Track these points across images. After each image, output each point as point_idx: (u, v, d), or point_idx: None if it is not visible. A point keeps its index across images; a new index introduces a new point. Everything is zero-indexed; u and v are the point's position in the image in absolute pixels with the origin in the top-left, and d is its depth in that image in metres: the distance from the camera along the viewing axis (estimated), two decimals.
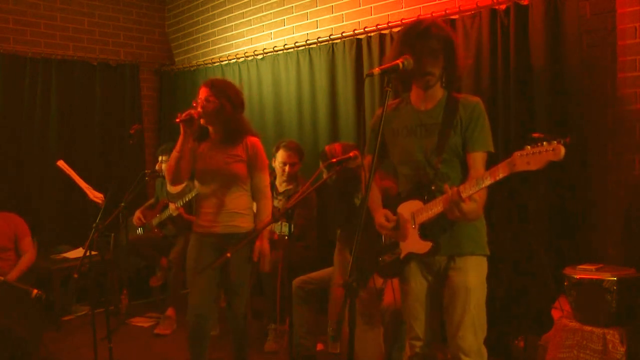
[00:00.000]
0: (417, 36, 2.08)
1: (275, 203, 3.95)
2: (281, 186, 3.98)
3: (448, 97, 2.17)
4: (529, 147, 1.72)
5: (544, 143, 1.68)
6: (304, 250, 3.84)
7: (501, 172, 1.81)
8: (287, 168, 3.88)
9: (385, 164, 2.39)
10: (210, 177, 2.91)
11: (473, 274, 2.12)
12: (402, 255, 2.21)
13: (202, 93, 2.86)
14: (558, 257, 3.00)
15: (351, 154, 2.90)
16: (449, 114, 2.13)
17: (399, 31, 2.21)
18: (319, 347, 3.64)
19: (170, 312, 4.26)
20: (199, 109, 2.80)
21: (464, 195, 1.90)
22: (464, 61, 2.16)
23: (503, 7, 3.24)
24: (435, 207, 2.03)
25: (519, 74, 3.18)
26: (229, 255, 2.37)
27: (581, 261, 2.77)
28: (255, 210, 3.04)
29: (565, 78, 3.03)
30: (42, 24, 5.17)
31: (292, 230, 2.57)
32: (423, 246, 2.12)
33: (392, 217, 2.19)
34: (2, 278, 2.73)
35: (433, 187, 2.10)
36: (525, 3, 3.17)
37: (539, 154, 1.69)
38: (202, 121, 2.85)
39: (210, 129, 2.93)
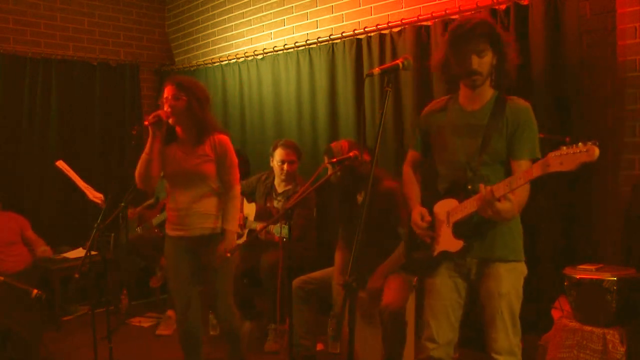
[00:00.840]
0: (462, 36, 2.06)
1: (275, 204, 3.95)
2: (280, 186, 3.98)
3: (497, 98, 2.14)
4: (564, 147, 1.73)
5: (579, 144, 1.68)
6: (304, 250, 3.84)
7: (534, 172, 1.82)
8: (285, 166, 3.87)
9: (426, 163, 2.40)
10: (180, 179, 2.85)
11: (506, 280, 2.11)
12: (435, 253, 2.21)
13: (168, 92, 2.77)
14: (558, 257, 3.00)
15: (351, 154, 2.92)
16: (495, 116, 2.10)
17: (447, 30, 2.18)
18: (319, 347, 3.64)
19: (170, 312, 4.25)
20: (167, 109, 2.74)
21: (497, 194, 1.90)
22: (515, 60, 2.13)
23: (503, 7, 3.24)
24: (470, 206, 2.04)
25: (519, 74, 3.18)
26: (228, 255, 2.37)
27: (581, 261, 2.77)
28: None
29: (565, 78, 3.03)
30: (42, 24, 5.17)
31: (292, 231, 2.55)
32: (455, 245, 2.12)
33: (428, 217, 2.20)
34: (2, 278, 2.72)
35: (469, 187, 2.09)
36: (525, 3, 3.17)
37: (573, 155, 1.70)
38: (170, 121, 2.78)
39: (178, 129, 2.86)
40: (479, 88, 2.14)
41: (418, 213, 2.23)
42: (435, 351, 2.19)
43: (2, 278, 2.71)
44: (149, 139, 2.74)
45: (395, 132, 3.82)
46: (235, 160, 2.91)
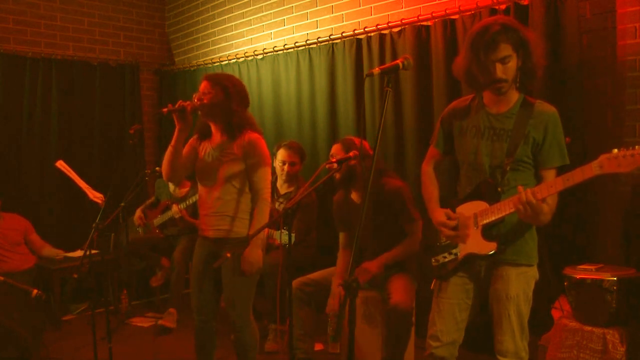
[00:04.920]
0: (483, 45, 2.00)
1: (277, 206, 3.94)
2: (282, 188, 3.98)
3: (523, 102, 2.10)
4: (616, 150, 1.73)
5: (636, 147, 1.70)
6: (305, 249, 3.84)
7: (586, 174, 1.80)
8: (286, 167, 3.87)
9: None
10: (205, 176, 2.76)
11: (515, 284, 2.10)
12: (460, 256, 2.18)
13: (202, 86, 2.72)
14: (558, 257, 3.00)
15: (351, 154, 2.92)
16: (521, 121, 2.06)
17: (468, 34, 2.11)
18: (318, 347, 3.64)
19: (172, 309, 4.25)
20: (196, 102, 2.66)
21: (539, 196, 1.90)
22: (540, 60, 2.07)
23: (503, 7, 3.24)
24: (505, 208, 2.01)
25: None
26: (228, 255, 2.33)
27: (581, 261, 2.77)
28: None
29: (565, 78, 3.03)
30: (42, 24, 5.18)
31: (293, 239, 2.51)
32: (487, 247, 2.09)
33: (454, 215, 2.17)
34: (2, 278, 2.72)
35: (499, 189, 2.07)
36: (525, 3, 3.17)
37: (632, 157, 1.71)
38: (200, 115, 2.71)
39: (212, 125, 2.78)
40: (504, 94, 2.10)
41: (443, 214, 2.18)
42: (438, 350, 2.19)
43: (2, 278, 2.71)
44: (175, 130, 2.63)
45: (396, 132, 3.82)
46: (267, 161, 2.76)
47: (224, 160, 2.71)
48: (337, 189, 3.37)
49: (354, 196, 3.26)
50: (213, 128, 2.79)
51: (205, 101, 2.66)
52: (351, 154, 2.93)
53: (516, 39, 2.01)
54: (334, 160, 2.89)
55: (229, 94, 2.69)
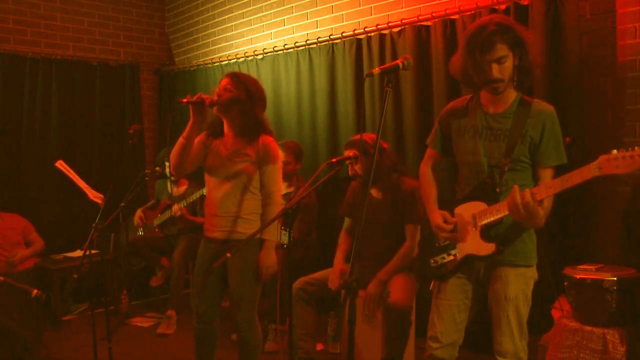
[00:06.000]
0: (479, 45, 1.98)
1: None
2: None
3: (520, 101, 2.10)
4: (615, 151, 1.72)
5: (635, 148, 1.68)
6: (305, 250, 3.84)
7: (585, 175, 1.78)
8: None
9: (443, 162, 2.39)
10: (216, 175, 2.73)
11: (514, 285, 2.10)
12: (459, 257, 2.18)
13: (223, 82, 2.70)
14: (558, 257, 3.00)
15: (351, 154, 2.92)
16: (519, 120, 2.06)
17: (464, 34, 2.10)
18: (319, 347, 3.64)
19: (171, 312, 4.25)
20: (215, 97, 2.64)
21: (538, 197, 1.88)
22: (537, 58, 2.06)
23: (503, 7, 3.25)
24: (503, 209, 2.00)
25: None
26: (228, 255, 2.32)
27: (581, 261, 2.77)
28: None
29: (565, 78, 3.03)
30: (42, 24, 5.18)
31: (292, 236, 2.52)
32: (486, 248, 2.08)
33: (451, 219, 2.16)
34: (2, 278, 2.72)
35: (498, 190, 2.06)
36: (525, 3, 3.17)
37: (631, 158, 1.68)
38: (215, 110, 2.67)
39: (225, 124, 2.76)
40: (500, 93, 2.09)
41: (440, 216, 2.18)
42: (438, 351, 2.19)
43: (2, 278, 2.70)
44: (189, 122, 2.58)
45: (396, 132, 3.82)
46: (280, 165, 2.78)
47: (237, 161, 2.70)
48: (353, 180, 3.41)
49: (373, 192, 3.26)
50: (226, 126, 2.77)
51: (225, 98, 2.65)
52: (351, 153, 2.93)
53: (512, 38, 2.00)
54: (335, 160, 2.88)
55: (252, 96, 2.69)
